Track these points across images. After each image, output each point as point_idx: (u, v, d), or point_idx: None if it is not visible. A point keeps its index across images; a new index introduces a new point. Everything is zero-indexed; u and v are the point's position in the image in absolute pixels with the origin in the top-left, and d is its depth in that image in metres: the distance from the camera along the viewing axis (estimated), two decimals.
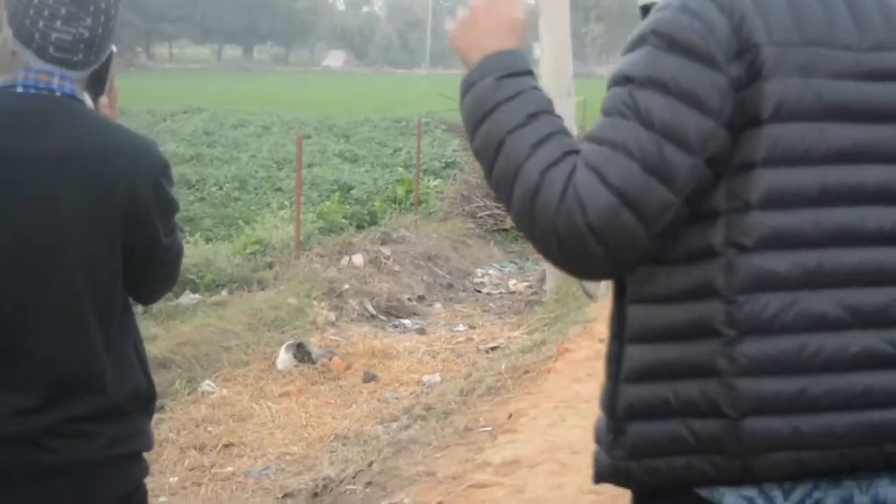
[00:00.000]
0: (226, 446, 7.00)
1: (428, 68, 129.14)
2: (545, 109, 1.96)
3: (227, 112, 34.25)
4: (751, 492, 1.89)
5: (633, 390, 1.95)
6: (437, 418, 6.85)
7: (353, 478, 5.78)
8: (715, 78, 1.84)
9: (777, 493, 1.89)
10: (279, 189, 18.12)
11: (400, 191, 17.54)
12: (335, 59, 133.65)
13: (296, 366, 8.62)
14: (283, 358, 8.65)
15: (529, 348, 8.62)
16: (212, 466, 6.70)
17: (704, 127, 1.83)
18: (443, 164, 21.21)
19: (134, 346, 2.53)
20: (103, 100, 2.57)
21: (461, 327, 10.80)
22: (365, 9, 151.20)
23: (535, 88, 1.99)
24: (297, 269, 11.70)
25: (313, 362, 8.70)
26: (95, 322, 2.42)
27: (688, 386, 1.90)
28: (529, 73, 2.02)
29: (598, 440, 2.05)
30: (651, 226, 1.83)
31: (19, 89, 2.43)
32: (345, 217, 15.09)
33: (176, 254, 2.60)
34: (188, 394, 7.98)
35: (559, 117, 1.98)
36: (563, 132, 1.94)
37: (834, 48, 1.91)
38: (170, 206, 2.53)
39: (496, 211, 15.37)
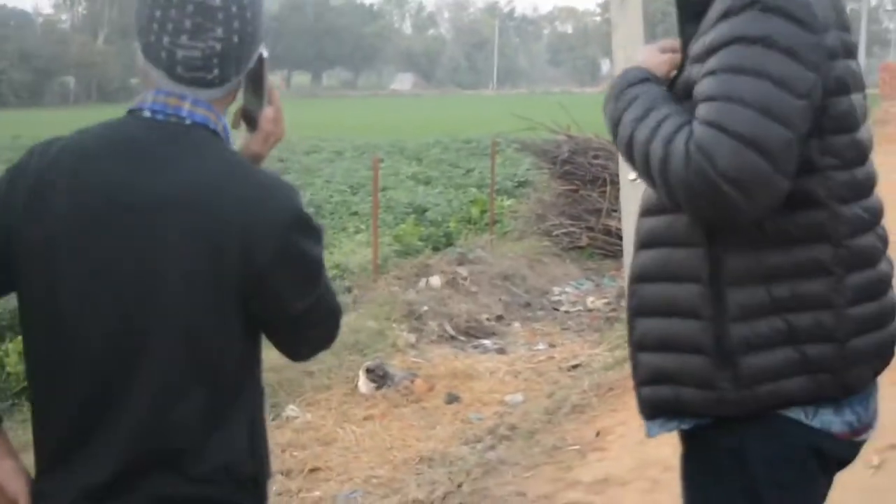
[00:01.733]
0: (312, 471, 6.99)
1: (495, 88, 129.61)
2: (659, 104, 2.29)
3: (298, 139, 34.52)
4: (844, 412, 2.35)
5: (743, 327, 2.26)
6: (523, 438, 6.81)
7: (443, 499, 5.75)
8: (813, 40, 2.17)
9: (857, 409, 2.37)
10: (355, 213, 18.19)
11: (474, 211, 17.52)
12: (403, 82, 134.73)
13: (378, 389, 8.62)
14: (363, 381, 8.67)
15: (612, 365, 8.55)
16: (299, 491, 6.68)
17: (809, 78, 2.14)
18: (515, 184, 21.18)
19: (248, 420, 2.18)
20: (267, 112, 2.24)
21: (541, 346, 10.73)
22: (431, 31, 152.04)
23: (651, 90, 2.36)
24: (376, 292, 11.71)
25: (395, 384, 8.69)
26: (198, 393, 2.09)
27: (800, 317, 2.27)
28: (651, 79, 2.41)
29: (682, 381, 2.34)
30: (777, 163, 2.08)
31: (146, 114, 2.12)
32: (421, 239, 15.09)
33: (320, 317, 2.21)
34: (273, 419, 7.99)
35: (673, 104, 2.29)
36: (677, 112, 2.24)
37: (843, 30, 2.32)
38: (304, 266, 2.12)
39: (571, 229, 15.29)
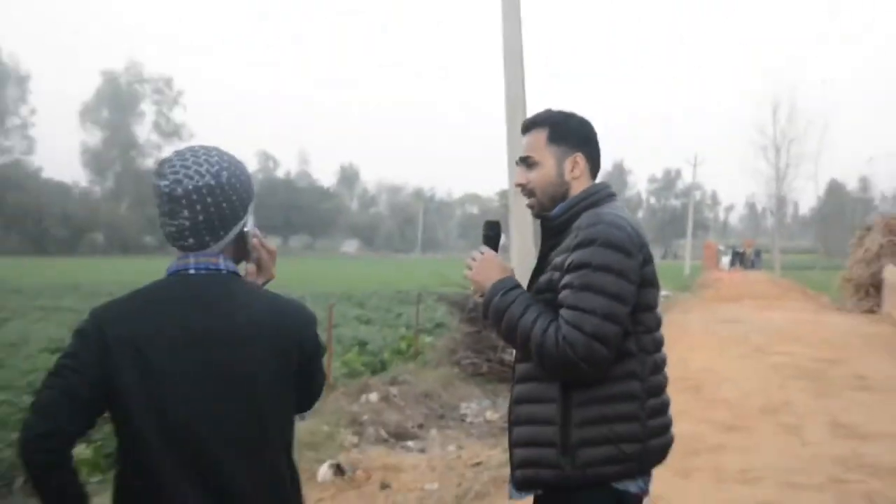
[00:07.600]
0: None
1: (420, 253, 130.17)
2: (532, 302, 2.63)
3: (273, 287, 34.23)
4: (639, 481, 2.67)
5: (581, 431, 2.60)
6: None
7: None
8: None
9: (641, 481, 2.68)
10: None
11: (403, 345, 17.60)
12: (350, 246, 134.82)
13: (331, 479, 8.60)
14: (324, 472, 8.65)
15: (505, 463, 8.57)
16: None
17: (632, 290, 2.58)
18: (434, 325, 21.32)
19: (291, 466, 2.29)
20: (249, 267, 2.38)
21: (451, 448, 10.73)
22: (372, 209, 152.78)
23: (523, 293, 2.69)
24: (329, 404, 11.71)
25: (343, 475, 8.69)
26: (285, 461, 2.24)
27: (621, 427, 2.61)
28: (518, 286, 2.71)
29: (535, 464, 2.65)
30: (611, 348, 2.50)
31: (191, 271, 2.21)
32: (363, 365, 15.14)
33: (321, 382, 2.41)
34: None
35: (538, 304, 2.63)
36: (546, 311, 2.59)
37: None
38: (321, 350, 2.33)
39: (475, 360, 15.38)
